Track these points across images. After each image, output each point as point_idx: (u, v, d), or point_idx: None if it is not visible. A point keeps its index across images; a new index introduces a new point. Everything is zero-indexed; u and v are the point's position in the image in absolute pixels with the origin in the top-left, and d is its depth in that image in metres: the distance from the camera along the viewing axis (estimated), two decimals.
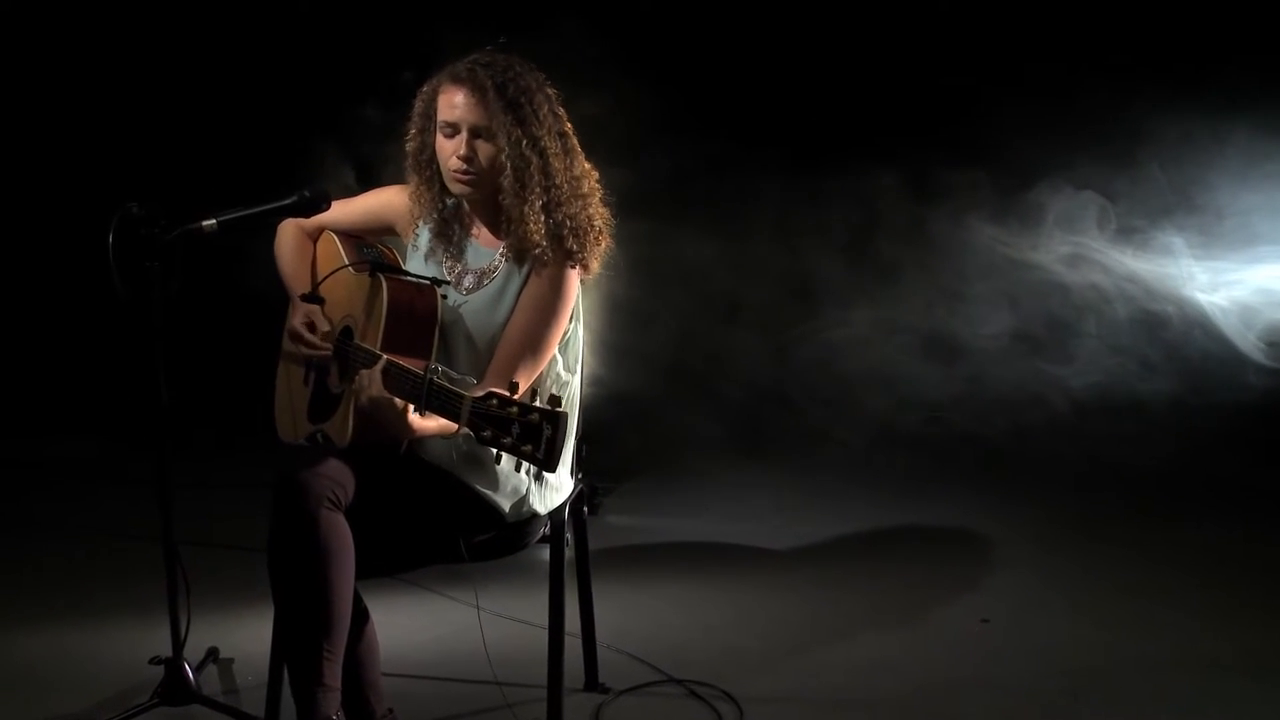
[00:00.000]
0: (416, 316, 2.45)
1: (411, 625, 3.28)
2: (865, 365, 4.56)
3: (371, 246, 2.73)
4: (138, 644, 3.10)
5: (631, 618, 3.33)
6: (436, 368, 2.20)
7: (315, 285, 2.56)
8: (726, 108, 4.73)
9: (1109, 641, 3.21)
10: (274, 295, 2.83)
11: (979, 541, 4.00)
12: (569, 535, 2.68)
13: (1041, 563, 3.79)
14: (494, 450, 2.03)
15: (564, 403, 2.57)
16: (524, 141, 2.42)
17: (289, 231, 2.75)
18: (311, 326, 2.58)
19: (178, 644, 2.65)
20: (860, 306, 4.63)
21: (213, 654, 3.07)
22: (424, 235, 2.64)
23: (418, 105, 2.56)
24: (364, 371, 2.33)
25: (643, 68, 4.14)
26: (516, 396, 2.01)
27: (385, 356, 2.34)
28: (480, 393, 2.09)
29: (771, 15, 4.86)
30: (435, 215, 2.59)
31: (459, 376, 2.22)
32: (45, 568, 3.82)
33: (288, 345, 2.77)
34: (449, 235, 2.60)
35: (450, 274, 2.58)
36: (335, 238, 2.73)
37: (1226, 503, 4.28)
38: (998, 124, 4.39)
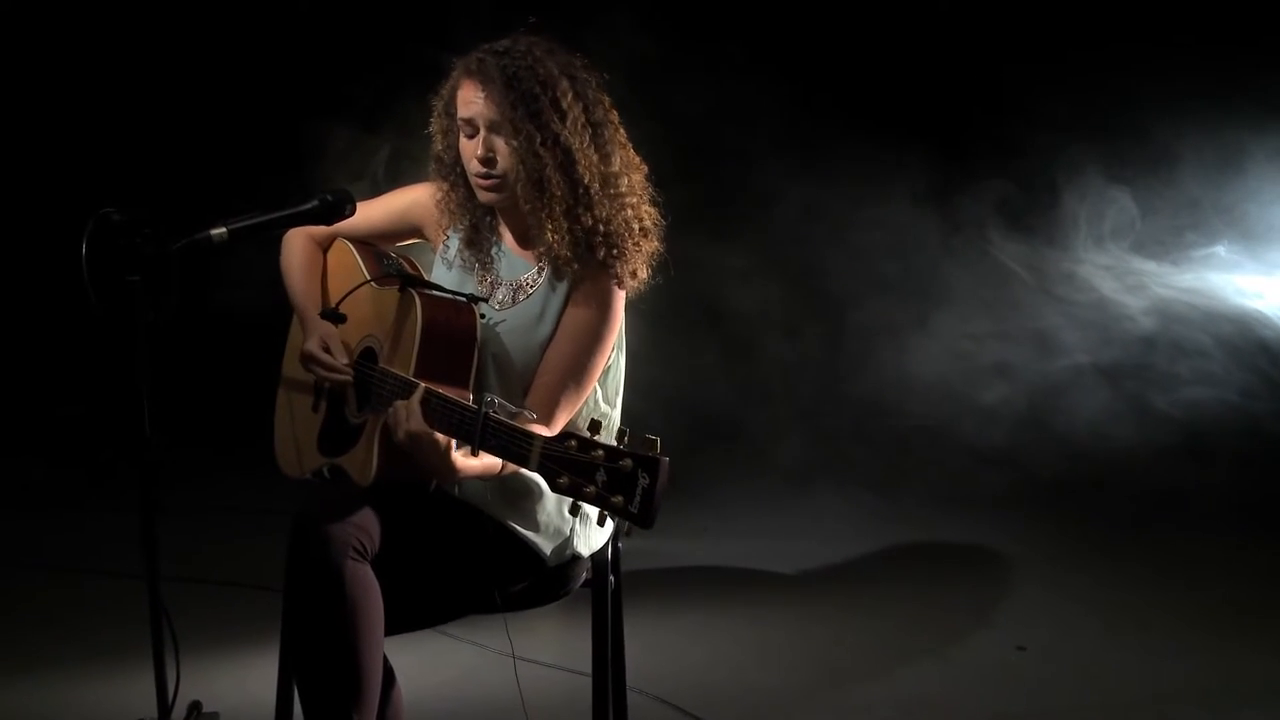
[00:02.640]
0: (454, 338, 2.17)
1: (421, 669, 2.98)
2: (887, 381, 4.36)
3: (391, 257, 2.44)
4: (113, 699, 2.81)
5: (651, 653, 3.08)
6: (493, 399, 1.92)
7: (337, 302, 2.26)
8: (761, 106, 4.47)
9: (1154, 669, 3.05)
10: (254, 305, 2.53)
11: (998, 562, 3.82)
12: (612, 576, 2.42)
13: (1065, 584, 3.62)
14: (548, 491, 1.76)
15: (609, 436, 2.32)
16: (538, 139, 2.14)
17: (297, 241, 2.44)
18: (328, 351, 2.28)
19: (164, 707, 2.32)
20: (885, 322, 4.40)
21: (195, 709, 2.73)
22: (454, 243, 2.35)
23: (438, 104, 2.29)
24: (401, 403, 2.05)
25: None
26: (600, 436, 1.74)
27: (423, 384, 2.06)
28: (542, 428, 1.83)
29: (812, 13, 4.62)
30: (466, 221, 2.31)
31: (517, 409, 1.95)
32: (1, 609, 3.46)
33: (290, 369, 2.47)
34: (480, 243, 2.32)
35: (482, 285, 2.30)
36: (351, 247, 2.42)
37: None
38: (1037, 132, 4.23)
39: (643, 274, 2.25)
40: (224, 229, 2.02)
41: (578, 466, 1.73)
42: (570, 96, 2.17)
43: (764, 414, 4.53)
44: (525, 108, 2.13)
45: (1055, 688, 2.97)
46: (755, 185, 4.44)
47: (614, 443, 1.72)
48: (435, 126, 2.28)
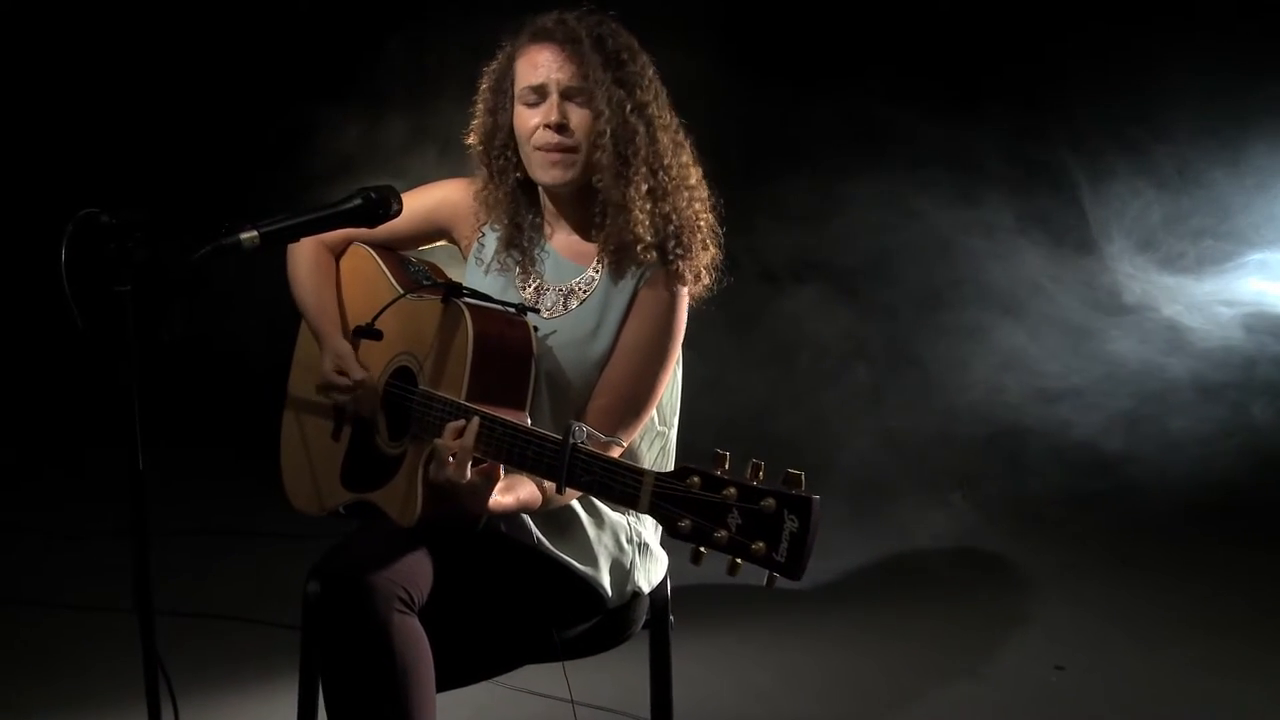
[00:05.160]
0: (507, 355, 1.90)
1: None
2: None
3: (415, 263, 2.16)
4: None
5: (676, 684, 2.85)
6: (580, 427, 1.67)
7: (373, 317, 1.97)
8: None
9: (1201, 688, 2.91)
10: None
11: (1028, 578, 3.63)
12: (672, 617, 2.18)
13: (1088, 595, 3.47)
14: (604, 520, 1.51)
15: (666, 459, 2.10)
16: (628, 106, 1.91)
17: (305, 248, 2.13)
18: (341, 374, 2.00)
19: None
20: (940, 336, 4.18)
21: None
22: (490, 242, 2.08)
23: (486, 81, 2.02)
24: (439, 443, 1.79)
25: None
26: (723, 470, 1.49)
27: (479, 410, 1.79)
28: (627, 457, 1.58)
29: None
30: (507, 218, 2.04)
31: (608, 437, 1.70)
32: None
33: (300, 389, 2.17)
34: (522, 243, 2.05)
35: (523, 290, 2.04)
36: (372, 252, 2.13)
37: None
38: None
39: (705, 280, 2.03)
40: (254, 232, 1.73)
41: (704, 508, 1.49)
42: (651, 70, 1.96)
43: (804, 425, 4.28)
44: (614, 72, 1.90)
45: (1104, 713, 2.84)
46: (803, 189, 4.20)
47: (748, 478, 1.48)
48: (481, 105, 2.02)
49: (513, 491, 1.86)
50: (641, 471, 1.56)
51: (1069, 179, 4.18)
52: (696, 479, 1.50)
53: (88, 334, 1.81)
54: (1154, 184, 4.14)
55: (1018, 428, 4.16)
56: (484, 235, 2.09)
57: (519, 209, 2.04)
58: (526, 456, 1.72)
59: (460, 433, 1.78)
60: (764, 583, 1.47)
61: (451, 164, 2.27)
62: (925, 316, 4.29)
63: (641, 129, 1.92)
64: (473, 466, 1.78)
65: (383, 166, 3.09)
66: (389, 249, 2.16)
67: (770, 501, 1.44)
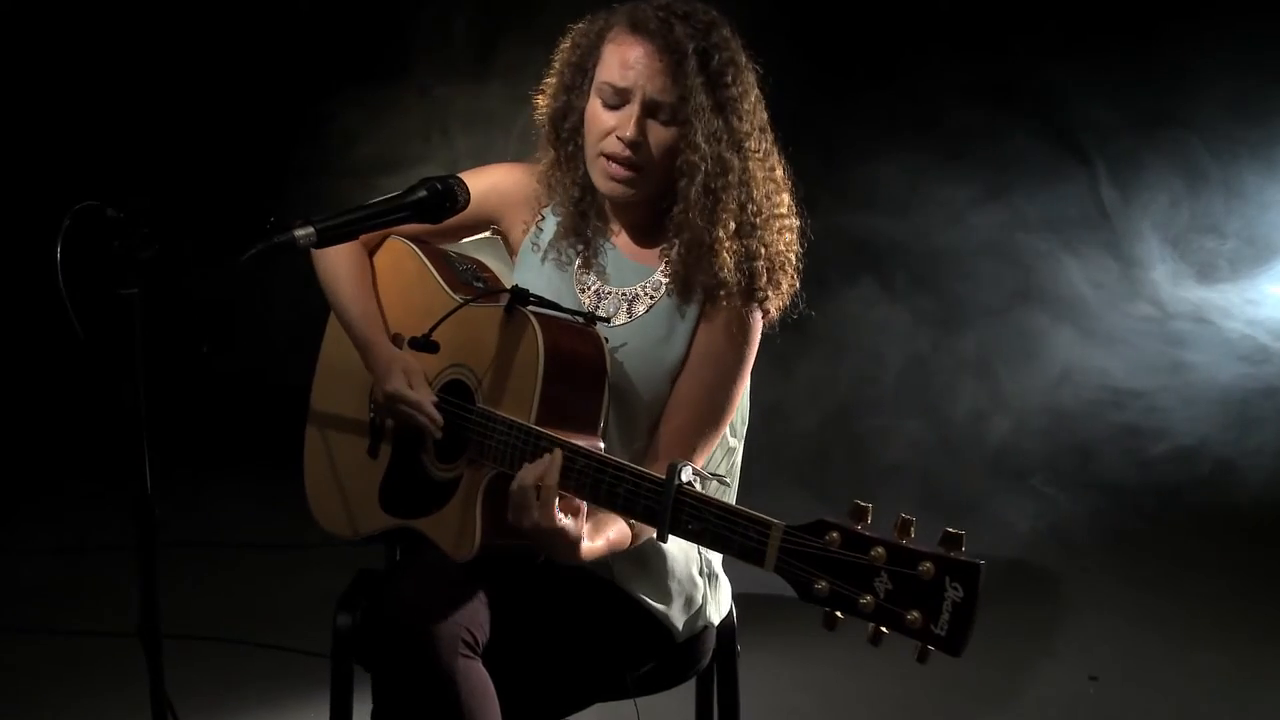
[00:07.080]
0: (579, 373, 1.69)
1: None
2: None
3: (463, 260, 1.93)
4: None
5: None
6: (686, 465, 1.47)
7: (431, 328, 1.74)
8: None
9: (1238, 698, 2.84)
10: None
11: (1039, 576, 3.53)
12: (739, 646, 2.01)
13: (1119, 599, 3.37)
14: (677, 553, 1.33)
15: (733, 479, 1.92)
16: (724, 139, 1.69)
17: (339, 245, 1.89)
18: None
19: None
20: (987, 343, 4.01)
21: None
22: (548, 229, 1.86)
23: (567, 51, 1.79)
24: (520, 483, 1.57)
25: None
26: (865, 525, 1.31)
27: (559, 440, 1.59)
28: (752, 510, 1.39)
29: None
30: (571, 204, 1.82)
31: (709, 476, 1.50)
32: None
33: (327, 401, 1.95)
34: (585, 233, 1.83)
35: (583, 292, 1.83)
36: (413, 248, 1.90)
37: None
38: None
39: (774, 312, 1.82)
40: (310, 229, 1.51)
41: (846, 569, 1.30)
42: (754, 91, 1.73)
43: (852, 429, 4.10)
44: (714, 96, 1.67)
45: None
46: (840, 187, 3.99)
47: (897, 537, 1.30)
48: (557, 80, 1.79)
49: (602, 532, 1.65)
50: (767, 523, 1.37)
51: (1119, 182, 4.05)
52: (836, 534, 1.31)
53: (90, 343, 1.59)
54: (1186, 183, 4.02)
55: (1081, 436, 4.04)
56: (544, 218, 1.87)
57: (585, 195, 1.82)
58: (617, 495, 1.52)
59: (542, 471, 1.57)
60: (916, 656, 1.29)
61: (486, 155, 2.04)
62: (980, 321, 4.13)
63: (737, 164, 1.71)
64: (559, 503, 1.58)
65: (414, 159, 2.84)
66: (425, 241, 1.93)
67: (928, 566, 1.26)
